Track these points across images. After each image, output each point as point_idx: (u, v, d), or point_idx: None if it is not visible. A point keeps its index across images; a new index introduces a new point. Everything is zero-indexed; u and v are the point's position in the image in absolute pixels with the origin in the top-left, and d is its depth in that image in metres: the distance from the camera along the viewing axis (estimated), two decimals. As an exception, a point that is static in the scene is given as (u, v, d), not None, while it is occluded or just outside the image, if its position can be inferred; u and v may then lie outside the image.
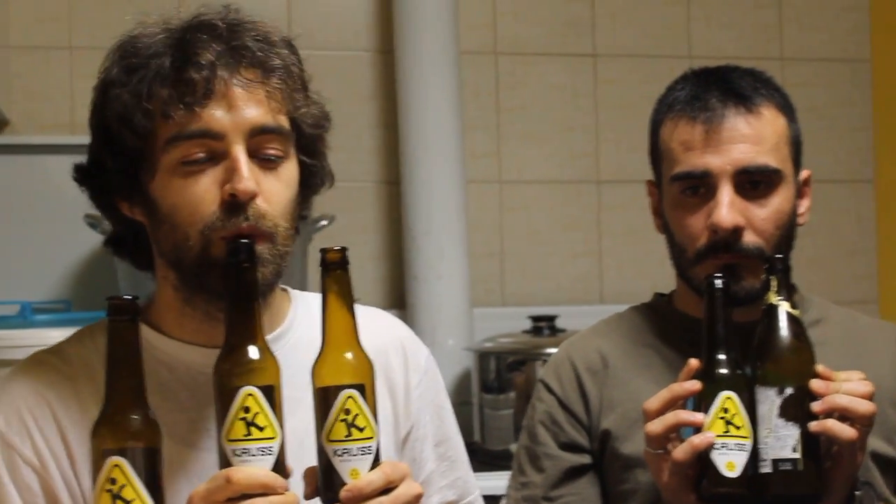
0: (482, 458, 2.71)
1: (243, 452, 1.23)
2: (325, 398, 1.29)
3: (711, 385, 1.45)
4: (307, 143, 1.43)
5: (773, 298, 1.48)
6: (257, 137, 1.36)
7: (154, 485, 1.18)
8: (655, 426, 1.46)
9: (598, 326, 1.79)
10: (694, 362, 1.47)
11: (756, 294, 1.56)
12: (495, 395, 2.85)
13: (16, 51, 3.08)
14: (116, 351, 1.20)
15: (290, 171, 1.40)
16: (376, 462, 1.29)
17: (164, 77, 1.34)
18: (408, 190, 3.09)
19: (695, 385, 1.45)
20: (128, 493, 1.15)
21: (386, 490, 1.28)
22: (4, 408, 1.40)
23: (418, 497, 1.32)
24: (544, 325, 2.90)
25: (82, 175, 1.45)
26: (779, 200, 1.62)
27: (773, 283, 1.48)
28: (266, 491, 1.22)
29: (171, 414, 1.39)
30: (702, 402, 1.45)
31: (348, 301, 1.30)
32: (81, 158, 3.11)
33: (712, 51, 3.35)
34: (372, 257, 3.19)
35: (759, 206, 1.61)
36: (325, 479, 1.28)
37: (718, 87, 1.64)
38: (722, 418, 1.43)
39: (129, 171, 1.37)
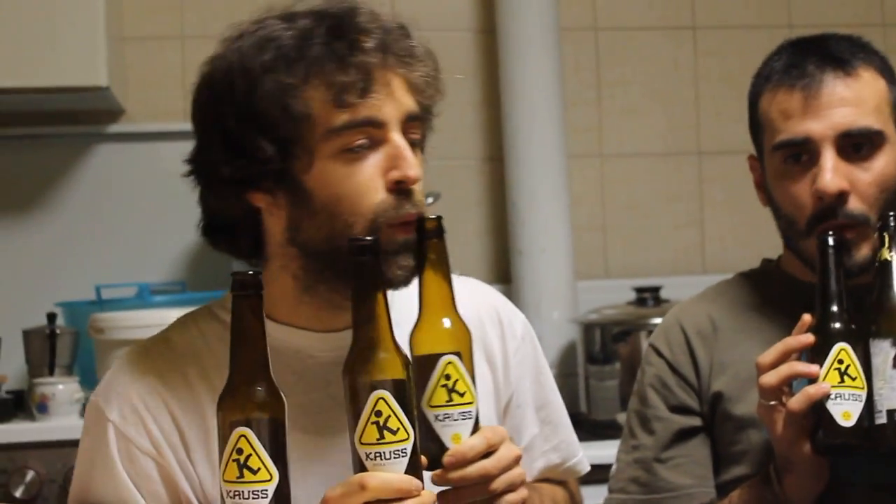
0: (588, 429, 2.70)
1: (377, 456, 1.22)
2: (424, 365, 1.28)
3: (825, 338, 1.45)
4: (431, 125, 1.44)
5: (887, 254, 1.47)
6: (406, 124, 1.36)
7: (279, 455, 1.19)
8: (770, 378, 1.46)
9: (706, 292, 1.78)
10: (807, 317, 1.47)
11: (868, 263, 1.55)
12: (600, 366, 2.86)
13: (130, 42, 3.15)
14: (242, 324, 1.20)
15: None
16: (476, 427, 1.29)
17: (331, 64, 1.31)
18: (510, 166, 3.10)
19: (808, 338, 1.45)
20: (254, 463, 1.17)
21: (487, 454, 1.29)
22: (117, 400, 1.39)
23: (518, 459, 1.32)
24: (648, 296, 2.89)
25: (199, 162, 1.39)
26: (882, 163, 1.60)
27: (886, 239, 1.48)
28: (402, 496, 1.21)
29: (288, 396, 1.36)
30: (816, 355, 1.45)
31: (445, 269, 1.30)
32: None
33: (813, 19, 3.30)
34: (476, 233, 3.21)
35: (862, 169, 1.59)
36: (427, 446, 1.27)
37: (815, 54, 1.63)
38: (837, 369, 1.43)
39: (277, 160, 1.33)
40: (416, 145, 1.38)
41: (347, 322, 1.29)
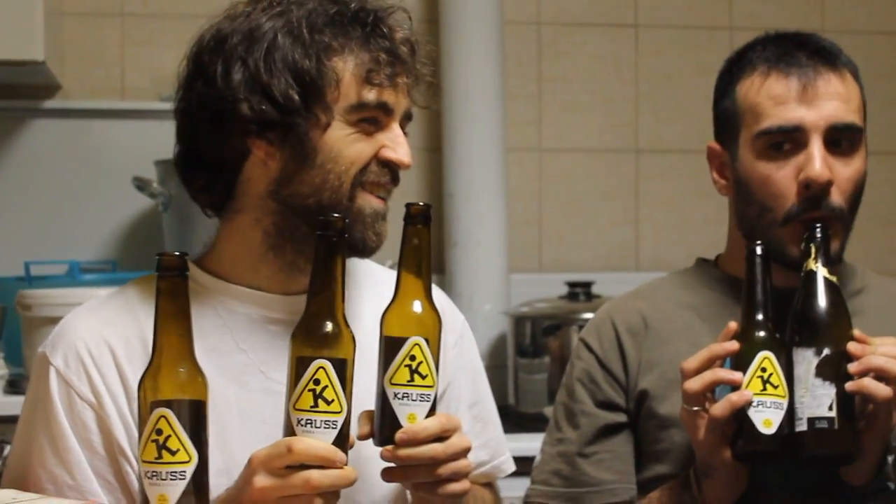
0: (516, 421, 2.71)
1: (308, 423, 1.25)
2: (392, 346, 1.31)
3: (750, 346, 1.46)
4: None
5: (812, 264, 1.49)
6: (403, 119, 1.46)
7: (199, 437, 1.19)
8: (694, 383, 1.47)
9: (640, 289, 1.79)
10: (733, 324, 1.48)
11: (837, 257, 1.58)
12: (530, 358, 2.87)
13: (69, 17, 3.11)
14: (166, 306, 1.21)
15: None
16: (432, 412, 1.31)
17: (371, 42, 1.41)
18: (449, 157, 3.10)
19: (733, 345, 1.46)
20: (173, 444, 1.17)
21: (439, 439, 1.31)
22: (63, 346, 1.42)
23: (467, 450, 1.34)
24: (580, 291, 2.90)
25: (212, 96, 1.39)
26: (859, 161, 1.61)
27: (812, 250, 1.49)
28: (324, 464, 1.24)
29: (228, 354, 1.43)
30: (739, 363, 1.46)
31: (425, 255, 1.32)
32: (131, 124, 3.17)
33: (753, 22, 3.31)
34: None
35: (843, 164, 1.60)
36: (381, 421, 1.31)
37: (806, 47, 1.63)
38: (760, 377, 1.44)
39: (302, 111, 1.38)
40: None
41: (303, 286, 1.34)
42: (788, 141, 1.60)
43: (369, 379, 1.32)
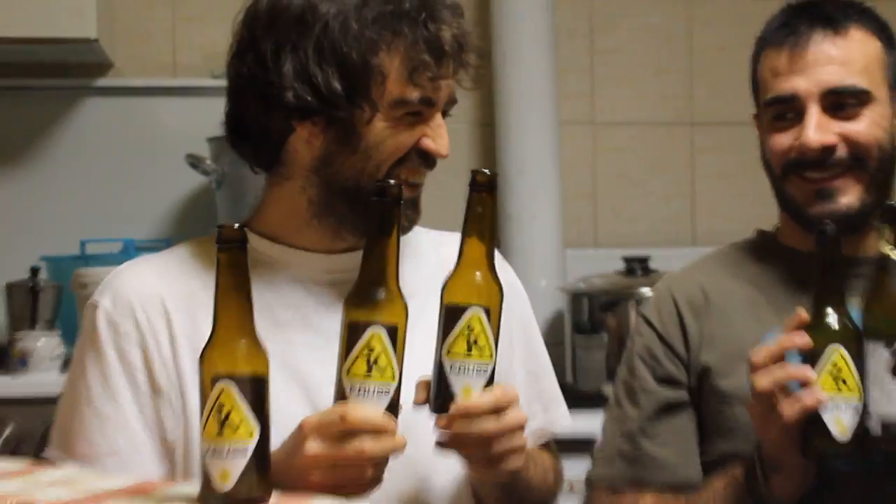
0: (574, 399, 2.69)
1: (361, 391, 1.25)
2: (451, 314, 1.30)
3: (820, 338, 1.40)
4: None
5: (886, 248, 1.40)
6: (446, 107, 1.47)
7: (261, 411, 1.17)
8: (763, 381, 1.41)
9: (699, 262, 1.76)
10: (802, 314, 1.42)
11: (855, 214, 1.55)
12: (587, 335, 2.84)
13: (120, -5, 3.14)
14: (226, 278, 1.19)
15: None
16: (489, 385, 1.30)
17: (418, 41, 1.40)
18: (502, 131, 3.08)
19: (804, 339, 1.40)
20: (235, 418, 1.15)
21: (494, 413, 1.30)
22: (111, 291, 1.46)
23: (522, 424, 1.33)
24: (637, 266, 2.88)
25: (260, 80, 1.42)
26: (870, 119, 1.59)
27: (886, 232, 1.40)
28: (378, 432, 1.25)
29: (272, 309, 1.45)
30: (810, 355, 1.40)
31: (488, 224, 1.31)
32: (183, 101, 3.18)
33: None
34: (465, 198, 3.18)
35: (851, 124, 1.59)
36: (437, 391, 1.30)
37: (808, 14, 1.63)
38: (831, 374, 1.38)
39: (344, 103, 1.40)
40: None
41: (348, 245, 1.43)
42: (789, 110, 1.61)
43: (415, 346, 1.32)
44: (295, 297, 1.48)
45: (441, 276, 1.32)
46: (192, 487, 1.20)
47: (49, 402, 2.50)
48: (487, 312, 1.30)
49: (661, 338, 1.69)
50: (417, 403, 1.32)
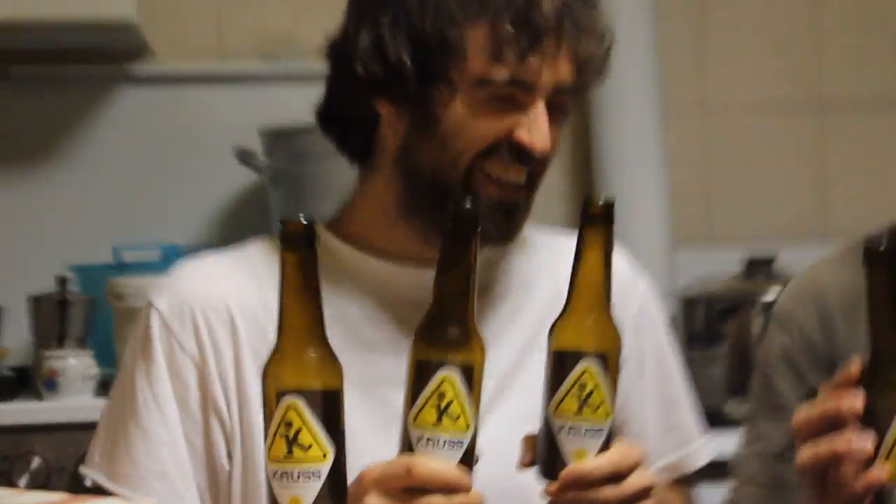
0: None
1: (429, 442, 1.24)
2: (560, 363, 1.28)
3: (883, 395, 1.26)
4: None
5: None
6: (556, 94, 1.45)
7: (335, 430, 1.18)
8: (807, 456, 1.30)
9: (847, 253, 1.65)
10: (856, 367, 1.29)
11: None
12: (703, 347, 2.82)
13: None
14: (292, 280, 1.20)
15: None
16: (606, 445, 1.28)
17: (505, 13, 1.41)
18: (596, 120, 3.07)
19: (857, 402, 1.26)
20: (305, 439, 1.16)
21: (613, 478, 1.28)
22: (170, 292, 1.48)
23: (648, 490, 1.32)
24: (760, 267, 2.86)
25: (340, 51, 1.48)
26: None
27: None
28: (449, 489, 1.24)
29: (355, 327, 1.47)
30: (868, 414, 1.26)
31: (606, 259, 1.29)
32: (230, 89, 3.20)
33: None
34: (555, 195, 3.15)
35: None
36: (545, 454, 1.29)
37: None
38: None
39: (414, 80, 1.43)
40: (559, 117, 1.47)
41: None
42: None
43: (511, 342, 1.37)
44: (383, 315, 1.49)
45: (552, 276, 1.31)
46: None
47: (81, 429, 2.53)
48: (604, 361, 1.28)
49: (802, 344, 1.63)
50: (523, 466, 1.31)
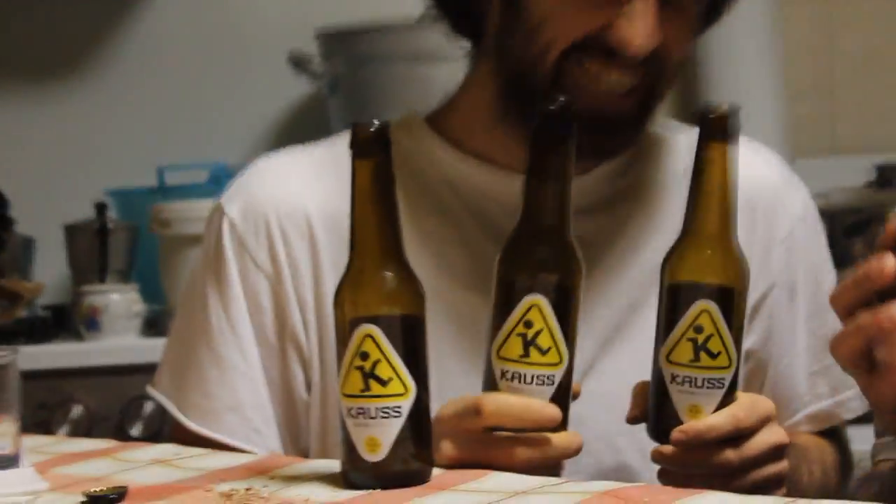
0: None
1: (515, 377, 1.22)
2: (674, 299, 1.25)
3: None
4: None
5: None
6: None
7: (415, 363, 1.17)
8: (850, 334, 1.20)
9: None
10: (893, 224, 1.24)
11: None
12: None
13: None
14: (373, 195, 1.19)
15: None
16: (728, 398, 1.24)
17: None
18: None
19: (891, 265, 1.19)
20: (383, 371, 1.16)
21: (734, 437, 1.25)
22: (243, 197, 1.48)
23: (780, 449, 1.28)
24: (894, 175, 2.85)
25: None
26: None
27: None
28: (529, 426, 1.21)
29: (449, 245, 1.46)
30: None
31: (725, 181, 1.26)
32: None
33: None
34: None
35: None
36: (656, 408, 1.26)
37: None
38: None
39: None
40: (679, 13, 1.40)
41: None
42: None
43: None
44: (477, 230, 1.47)
45: None
46: (326, 463, 1.23)
47: (127, 372, 2.57)
48: (726, 299, 1.24)
49: None
50: (630, 421, 1.29)
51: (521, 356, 1.22)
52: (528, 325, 1.22)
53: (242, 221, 1.46)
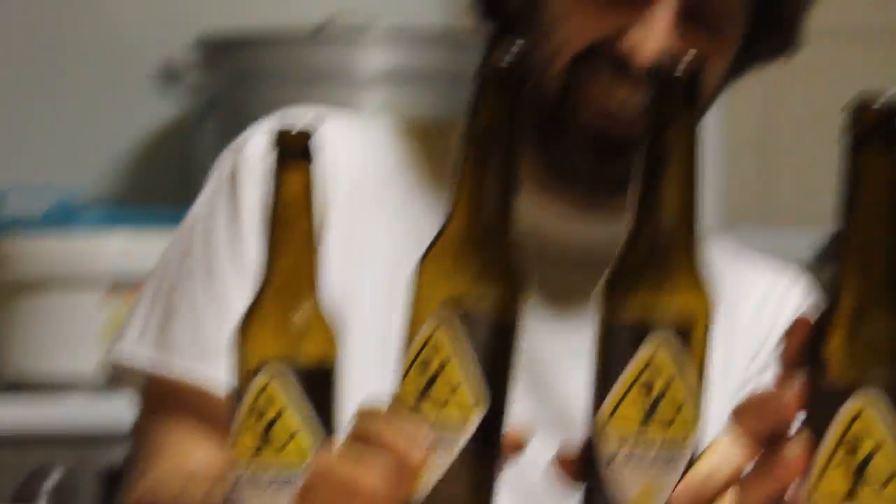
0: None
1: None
2: (610, 343, 1.14)
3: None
4: None
5: None
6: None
7: (323, 416, 1.17)
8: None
9: None
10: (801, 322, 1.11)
11: None
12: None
13: None
14: (283, 208, 1.19)
15: None
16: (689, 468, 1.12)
17: None
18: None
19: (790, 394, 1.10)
20: (281, 430, 1.16)
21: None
22: (255, 140, 1.49)
23: None
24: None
25: None
26: None
27: None
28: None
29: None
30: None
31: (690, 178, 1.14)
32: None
33: None
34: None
35: None
36: (591, 482, 1.15)
37: None
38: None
39: None
40: (709, 28, 1.43)
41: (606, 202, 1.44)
42: None
43: None
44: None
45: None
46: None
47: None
48: (684, 339, 1.11)
49: None
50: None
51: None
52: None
53: (250, 164, 1.47)
